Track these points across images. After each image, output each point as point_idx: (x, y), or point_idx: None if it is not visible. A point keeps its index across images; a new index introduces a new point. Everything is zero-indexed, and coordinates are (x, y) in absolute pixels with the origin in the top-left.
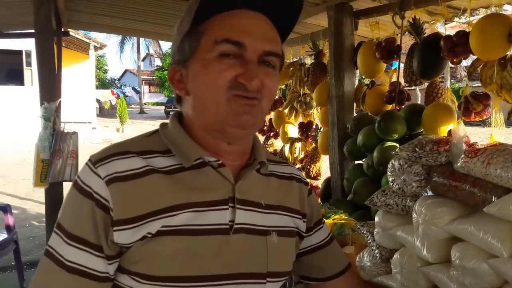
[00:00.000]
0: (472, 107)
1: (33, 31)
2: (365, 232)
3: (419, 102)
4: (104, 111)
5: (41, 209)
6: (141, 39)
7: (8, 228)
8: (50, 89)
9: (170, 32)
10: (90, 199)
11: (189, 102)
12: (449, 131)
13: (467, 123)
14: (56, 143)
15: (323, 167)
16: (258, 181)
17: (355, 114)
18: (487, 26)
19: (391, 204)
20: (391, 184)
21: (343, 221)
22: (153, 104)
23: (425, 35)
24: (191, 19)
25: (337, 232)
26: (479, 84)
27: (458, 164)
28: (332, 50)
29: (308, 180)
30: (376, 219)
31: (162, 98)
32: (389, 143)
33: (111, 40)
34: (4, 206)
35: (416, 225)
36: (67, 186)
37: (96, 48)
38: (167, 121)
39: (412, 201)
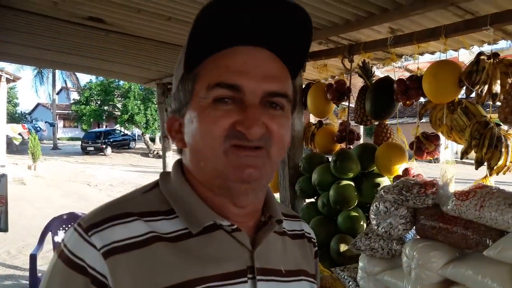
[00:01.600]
0: (424, 147)
1: None
2: (345, 277)
3: (361, 141)
4: (13, 147)
5: None
6: (57, 72)
7: None
8: None
9: (103, 67)
10: (83, 275)
11: (187, 155)
12: (404, 170)
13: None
14: None
15: None
16: (274, 243)
17: (304, 153)
18: (440, 72)
19: (376, 248)
20: (375, 227)
21: None
22: (68, 139)
23: (374, 78)
24: (183, 61)
25: None
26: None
27: (449, 207)
28: None
29: None
30: (361, 263)
31: (77, 132)
32: (345, 182)
33: (23, 72)
34: None
35: (407, 270)
36: None
37: (8, 81)
38: (169, 169)
39: (399, 244)
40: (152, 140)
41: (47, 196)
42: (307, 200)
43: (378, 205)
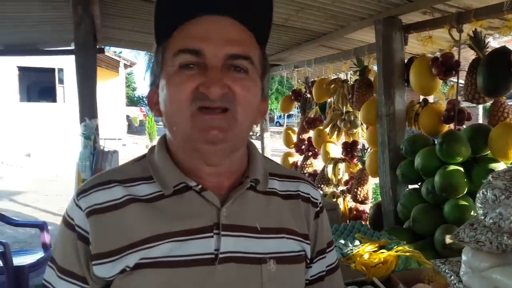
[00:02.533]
0: None
1: (72, 47)
2: (447, 271)
3: (480, 122)
4: (133, 128)
5: None
6: None
7: (45, 246)
8: (90, 106)
9: None
10: (73, 231)
11: (164, 123)
12: None
13: None
14: (97, 162)
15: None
16: (254, 202)
17: (406, 134)
18: None
19: (482, 241)
20: (482, 217)
21: (407, 254)
22: None
23: (488, 49)
24: (155, 36)
25: (403, 266)
26: None
27: None
28: (381, 66)
29: (355, 204)
30: (464, 257)
31: None
32: (452, 167)
33: (140, 58)
34: (41, 224)
35: None
36: None
37: (125, 66)
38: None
39: (511, 238)
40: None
41: None
42: (410, 186)
43: (485, 193)
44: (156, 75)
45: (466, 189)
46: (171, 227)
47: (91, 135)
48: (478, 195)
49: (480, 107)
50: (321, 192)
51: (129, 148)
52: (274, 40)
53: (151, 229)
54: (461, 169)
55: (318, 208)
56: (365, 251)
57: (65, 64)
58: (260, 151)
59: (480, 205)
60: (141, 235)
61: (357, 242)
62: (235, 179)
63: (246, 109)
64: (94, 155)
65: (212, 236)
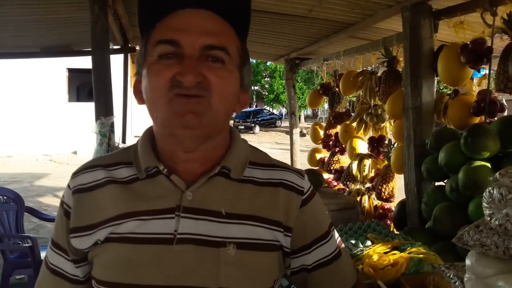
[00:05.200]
0: None
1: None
2: (452, 276)
3: None
4: None
5: None
6: None
7: None
8: (106, 104)
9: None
10: (61, 207)
11: (147, 110)
12: None
13: None
14: None
15: (397, 187)
16: (224, 188)
17: (434, 128)
18: None
19: (487, 245)
20: (488, 218)
21: (421, 256)
22: None
23: None
24: (139, 29)
25: (414, 269)
26: None
27: None
28: (408, 56)
29: (380, 202)
30: (467, 262)
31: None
32: (478, 163)
33: None
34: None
35: None
36: None
37: None
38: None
39: None
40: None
41: None
42: (436, 184)
43: (492, 191)
44: (140, 65)
45: None
46: (138, 207)
47: (106, 132)
48: (484, 194)
49: None
50: (347, 189)
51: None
52: (301, 33)
53: (120, 208)
54: (488, 165)
55: (305, 196)
56: (375, 252)
57: (112, 65)
58: (289, 147)
59: (486, 205)
60: (111, 213)
61: (369, 243)
62: (210, 166)
63: (221, 97)
64: (109, 152)
65: (173, 218)
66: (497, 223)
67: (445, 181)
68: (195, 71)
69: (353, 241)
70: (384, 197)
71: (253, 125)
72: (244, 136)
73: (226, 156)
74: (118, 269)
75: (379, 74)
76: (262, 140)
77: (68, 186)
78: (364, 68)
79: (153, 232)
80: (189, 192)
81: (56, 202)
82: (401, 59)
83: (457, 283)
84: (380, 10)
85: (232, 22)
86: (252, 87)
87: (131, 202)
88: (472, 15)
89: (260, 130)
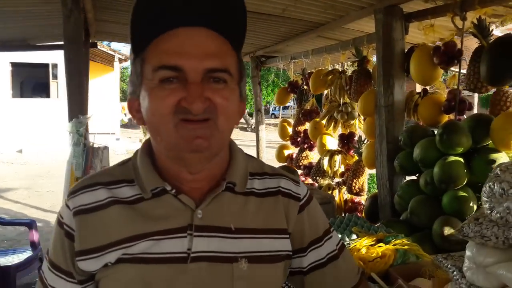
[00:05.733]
0: None
1: (62, 42)
2: (449, 266)
3: (475, 111)
4: (127, 122)
5: None
6: None
7: (33, 245)
8: (80, 103)
9: None
10: (61, 228)
11: (148, 131)
12: None
13: None
14: (87, 159)
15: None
16: (231, 203)
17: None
18: None
19: (488, 236)
20: (488, 211)
21: (406, 247)
22: None
23: (491, 38)
24: (131, 47)
25: (401, 260)
26: None
27: None
28: (381, 56)
29: (350, 196)
30: (468, 252)
31: None
32: (452, 158)
33: None
34: (29, 222)
35: None
36: None
37: (120, 60)
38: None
39: None
40: (250, 114)
41: None
42: (408, 178)
43: (492, 186)
44: (135, 85)
45: (465, 180)
46: (149, 228)
47: (83, 132)
48: (484, 188)
49: (476, 96)
50: (316, 184)
51: (123, 142)
52: (271, 32)
53: (130, 230)
54: (461, 160)
55: (302, 202)
56: (362, 245)
57: (59, 60)
58: (256, 144)
59: (486, 199)
60: (121, 235)
61: (353, 236)
62: (215, 182)
63: (226, 117)
64: (85, 151)
65: (185, 236)
66: (498, 215)
67: (417, 175)
68: (201, 97)
69: (339, 235)
70: (355, 191)
71: None
72: None
73: (229, 170)
74: None
75: (348, 73)
76: None
77: (68, 206)
78: (334, 67)
79: (166, 251)
80: (199, 211)
81: (5, 203)
82: (371, 59)
83: (455, 272)
84: (353, 11)
85: (229, 37)
86: None
87: (140, 223)
88: (440, 18)
89: None
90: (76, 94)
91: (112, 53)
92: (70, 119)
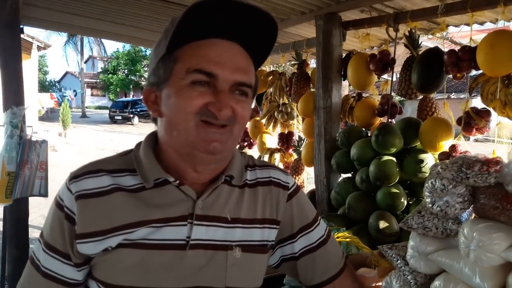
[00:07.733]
0: (474, 122)
1: None
2: (394, 255)
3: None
4: (44, 114)
5: None
6: (85, 40)
7: None
8: (16, 93)
9: (133, 34)
10: (61, 211)
11: (162, 124)
12: (451, 147)
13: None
14: (23, 153)
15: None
16: (229, 195)
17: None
18: (498, 42)
19: (429, 227)
20: (430, 205)
21: (348, 240)
22: (96, 108)
23: (421, 49)
24: (167, 44)
25: (345, 251)
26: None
27: None
28: (320, 61)
29: None
30: (412, 242)
31: (105, 102)
32: (386, 157)
33: (52, 40)
34: None
35: (465, 251)
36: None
37: (39, 48)
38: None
39: (455, 224)
40: None
41: (79, 163)
42: (343, 175)
43: (434, 183)
44: (161, 80)
45: (397, 178)
46: (150, 215)
47: (18, 124)
48: (426, 184)
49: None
50: None
51: (40, 136)
52: None
53: (132, 216)
54: (394, 159)
55: (290, 191)
56: None
57: None
58: None
59: (428, 194)
60: (123, 221)
61: None
62: (216, 174)
63: (241, 126)
64: (20, 145)
65: (186, 225)
66: (438, 209)
67: (352, 173)
68: (228, 106)
69: None
70: None
71: (131, 115)
72: (122, 127)
73: (229, 166)
74: (132, 274)
75: (288, 75)
76: (142, 132)
77: (69, 189)
78: (274, 69)
79: (166, 238)
80: (200, 201)
81: None
82: (309, 62)
83: (399, 261)
84: (294, 16)
85: (254, 56)
86: (131, 76)
87: (142, 210)
88: (374, 28)
89: (139, 121)
90: (12, 84)
91: (30, 40)
92: (5, 109)
